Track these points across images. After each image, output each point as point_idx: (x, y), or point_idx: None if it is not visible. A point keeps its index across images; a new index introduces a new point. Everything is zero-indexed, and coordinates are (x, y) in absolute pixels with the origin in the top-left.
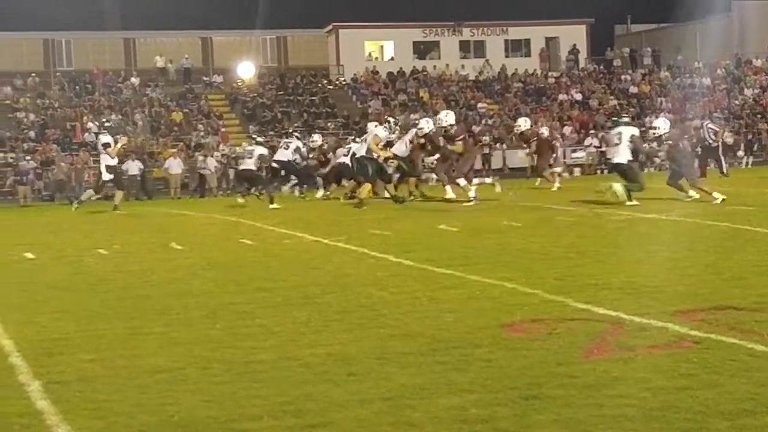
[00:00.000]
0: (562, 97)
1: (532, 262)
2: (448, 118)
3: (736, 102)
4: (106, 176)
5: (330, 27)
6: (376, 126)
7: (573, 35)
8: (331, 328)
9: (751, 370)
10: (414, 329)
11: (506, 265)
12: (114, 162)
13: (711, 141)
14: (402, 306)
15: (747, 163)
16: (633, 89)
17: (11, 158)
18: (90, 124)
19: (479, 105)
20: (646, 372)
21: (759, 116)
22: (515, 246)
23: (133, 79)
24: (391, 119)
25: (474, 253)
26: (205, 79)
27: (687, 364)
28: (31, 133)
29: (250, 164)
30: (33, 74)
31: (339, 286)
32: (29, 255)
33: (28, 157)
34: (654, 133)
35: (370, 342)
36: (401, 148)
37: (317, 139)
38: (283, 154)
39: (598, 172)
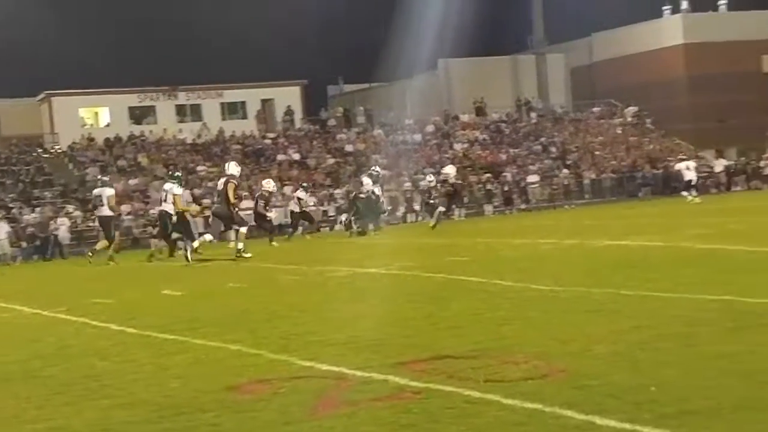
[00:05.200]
0: (280, 157)
1: (257, 322)
2: None
3: (447, 156)
4: None
5: (43, 95)
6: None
7: (288, 96)
8: (53, 401)
9: (469, 416)
10: (139, 397)
11: (231, 327)
12: None
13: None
14: (126, 375)
15: (459, 215)
16: (349, 147)
17: None
18: None
19: (199, 168)
20: (369, 425)
21: (469, 170)
22: (240, 307)
23: None
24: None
25: (199, 316)
26: None
27: (408, 414)
28: None
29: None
30: None
31: (61, 359)
32: None
33: None
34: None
35: (93, 413)
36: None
37: None
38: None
39: (322, 229)
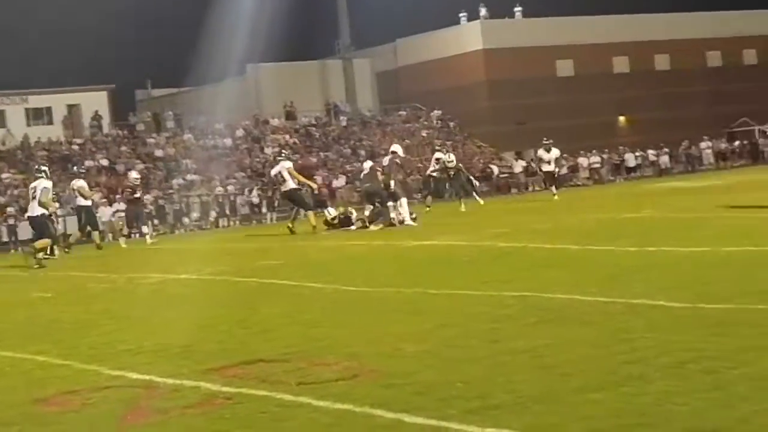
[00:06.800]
0: (88, 163)
1: (65, 332)
2: None
3: (258, 160)
4: None
5: None
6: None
7: (95, 101)
8: None
9: (281, 420)
10: None
11: (37, 338)
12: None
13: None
14: None
15: (271, 219)
16: (159, 152)
17: None
18: None
19: (4, 175)
20: None
21: None
22: (47, 317)
23: None
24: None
25: (2, 327)
26: None
27: (220, 420)
28: None
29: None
30: None
31: None
32: None
33: None
34: None
35: None
36: None
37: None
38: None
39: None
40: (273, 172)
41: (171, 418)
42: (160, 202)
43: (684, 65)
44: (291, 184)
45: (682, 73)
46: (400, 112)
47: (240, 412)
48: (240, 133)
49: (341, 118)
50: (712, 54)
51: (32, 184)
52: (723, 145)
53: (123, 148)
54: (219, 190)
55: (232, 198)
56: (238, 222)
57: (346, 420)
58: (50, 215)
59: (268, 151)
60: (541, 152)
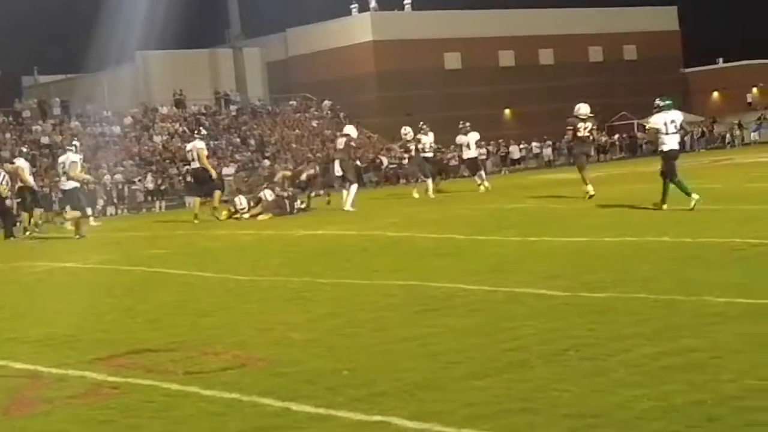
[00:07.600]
0: None
1: None
2: None
3: (147, 149)
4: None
5: None
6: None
7: None
8: None
9: (168, 409)
10: None
11: None
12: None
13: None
14: None
15: (160, 208)
16: (45, 140)
17: None
18: None
19: None
20: (65, 423)
21: (169, 162)
22: None
23: None
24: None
25: None
26: None
27: (106, 410)
28: None
29: None
30: None
31: None
32: None
33: None
34: None
35: None
36: None
37: None
38: None
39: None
40: (188, 147)
41: (56, 408)
42: (45, 190)
43: (567, 59)
44: (198, 164)
45: (565, 67)
46: (291, 102)
47: (126, 402)
48: (128, 120)
49: (231, 107)
50: (594, 49)
51: (60, 159)
52: (603, 139)
53: (8, 135)
54: (107, 178)
55: (120, 186)
56: (126, 210)
57: (233, 409)
58: (81, 188)
59: (156, 139)
60: (459, 138)
